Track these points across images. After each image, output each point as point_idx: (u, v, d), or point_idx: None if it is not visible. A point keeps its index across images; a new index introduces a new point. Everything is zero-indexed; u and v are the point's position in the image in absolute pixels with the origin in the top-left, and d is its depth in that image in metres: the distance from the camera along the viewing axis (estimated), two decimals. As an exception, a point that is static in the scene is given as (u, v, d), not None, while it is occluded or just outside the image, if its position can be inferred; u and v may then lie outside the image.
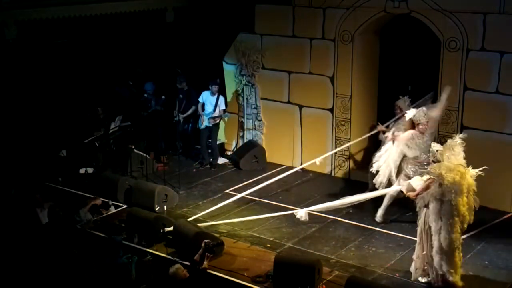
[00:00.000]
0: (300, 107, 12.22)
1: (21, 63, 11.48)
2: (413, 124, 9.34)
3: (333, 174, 12.06)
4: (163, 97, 12.49)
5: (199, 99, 12.30)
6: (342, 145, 11.79)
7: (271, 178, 11.67)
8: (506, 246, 9.07)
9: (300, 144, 12.30)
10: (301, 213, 9.15)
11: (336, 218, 10.04)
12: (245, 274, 8.41)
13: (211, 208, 10.22)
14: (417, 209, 8.10)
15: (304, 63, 11.96)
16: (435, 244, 7.80)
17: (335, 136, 11.86)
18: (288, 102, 12.36)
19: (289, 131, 12.41)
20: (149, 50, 13.34)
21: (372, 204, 10.23)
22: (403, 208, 10.16)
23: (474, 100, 10.27)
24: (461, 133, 8.61)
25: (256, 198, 10.96)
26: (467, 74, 10.27)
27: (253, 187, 11.30)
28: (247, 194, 10.74)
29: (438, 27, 10.42)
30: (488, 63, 10.05)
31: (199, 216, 10.04)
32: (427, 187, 7.84)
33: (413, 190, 8.05)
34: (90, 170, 12.12)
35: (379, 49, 11.89)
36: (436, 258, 7.83)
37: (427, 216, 7.88)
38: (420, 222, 8.05)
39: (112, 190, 10.86)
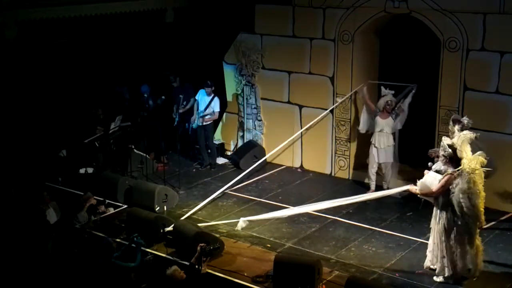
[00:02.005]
0: (300, 107, 12.22)
1: (21, 63, 11.47)
2: None
3: (333, 174, 12.06)
4: (163, 97, 12.47)
5: (195, 97, 12.29)
6: (342, 145, 11.80)
7: (271, 178, 11.74)
8: (506, 246, 9.07)
9: (300, 144, 12.29)
10: (240, 225, 9.25)
11: (336, 218, 10.03)
12: (245, 274, 8.40)
13: (197, 207, 10.30)
14: (435, 206, 8.08)
15: (304, 63, 11.96)
16: (451, 242, 7.91)
17: (335, 136, 11.86)
18: (288, 102, 12.36)
19: (289, 131, 12.40)
20: (149, 51, 13.33)
21: (372, 205, 10.24)
22: (403, 208, 10.17)
23: (474, 100, 10.27)
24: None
25: (256, 198, 10.97)
26: (467, 74, 10.27)
27: (253, 187, 11.34)
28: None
29: (438, 27, 10.42)
30: (488, 63, 10.05)
31: (193, 214, 10.10)
32: (446, 185, 7.81)
33: (428, 189, 7.99)
34: (90, 170, 12.11)
35: (379, 49, 11.90)
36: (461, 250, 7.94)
37: (449, 212, 7.90)
38: (438, 219, 8.03)
39: (112, 190, 10.85)
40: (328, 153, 12.03)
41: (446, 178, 7.83)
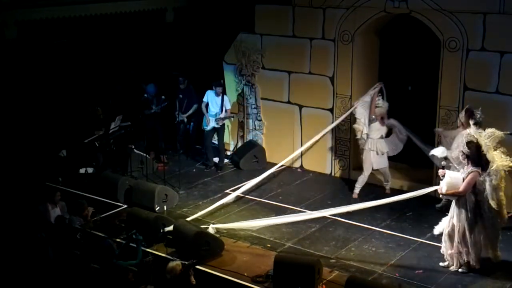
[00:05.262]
0: (300, 107, 12.22)
1: (21, 63, 11.48)
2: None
3: (333, 174, 12.06)
4: (163, 97, 12.48)
5: (203, 99, 12.21)
6: (342, 145, 11.80)
7: (271, 178, 11.71)
8: (506, 246, 9.05)
9: (300, 144, 12.28)
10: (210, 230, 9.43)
11: (336, 218, 10.03)
12: (245, 274, 8.40)
13: (204, 210, 10.23)
14: (455, 203, 8.20)
15: (304, 63, 11.95)
16: (487, 233, 8.16)
17: (335, 136, 11.87)
18: (288, 102, 12.36)
19: (289, 131, 12.41)
20: (149, 50, 13.34)
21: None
22: (403, 208, 10.16)
23: (474, 100, 10.25)
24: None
25: (256, 198, 10.96)
26: (467, 74, 10.27)
27: (253, 187, 11.32)
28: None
29: (438, 27, 10.42)
30: (488, 63, 10.05)
31: (198, 216, 10.06)
32: (472, 182, 7.95)
33: (456, 188, 8.05)
34: (90, 170, 12.12)
35: (379, 49, 11.90)
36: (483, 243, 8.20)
37: (470, 209, 8.05)
38: (460, 218, 8.14)
39: (112, 190, 10.85)
40: (328, 153, 12.03)
41: (471, 176, 7.96)
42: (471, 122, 8.88)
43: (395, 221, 9.95)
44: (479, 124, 8.84)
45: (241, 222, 9.66)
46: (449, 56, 10.38)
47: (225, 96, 12.23)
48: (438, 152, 9.34)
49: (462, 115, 9.48)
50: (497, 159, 8.06)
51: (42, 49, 11.76)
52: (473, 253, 8.23)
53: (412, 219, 10.01)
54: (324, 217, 9.98)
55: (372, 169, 10.84)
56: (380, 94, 10.72)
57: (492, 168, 8.01)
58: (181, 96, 12.47)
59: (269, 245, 9.24)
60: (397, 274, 8.38)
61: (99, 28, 12.34)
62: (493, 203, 8.05)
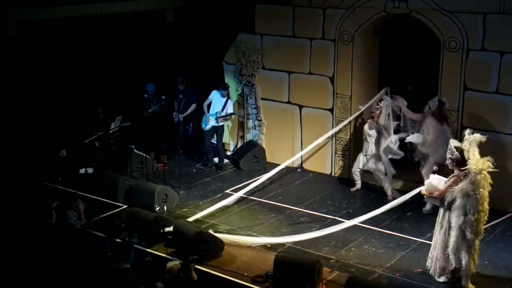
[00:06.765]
0: (300, 107, 12.22)
1: (21, 63, 11.47)
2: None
3: (333, 174, 12.07)
4: (163, 97, 12.49)
5: (209, 97, 12.22)
6: (342, 145, 11.81)
7: (271, 178, 11.69)
8: (506, 246, 9.08)
9: (300, 144, 12.29)
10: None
11: (336, 218, 10.04)
12: (245, 274, 8.40)
13: (207, 210, 10.18)
14: (441, 207, 8.09)
15: (304, 63, 11.96)
16: (453, 240, 7.84)
17: (335, 136, 11.87)
18: (288, 102, 12.36)
19: (289, 131, 12.41)
20: (149, 50, 13.34)
21: (372, 205, 10.23)
22: (403, 208, 10.16)
23: (474, 100, 10.27)
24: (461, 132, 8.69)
25: (256, 198, 10.96)
26: (467, 74, 10.27)
27: (253, 187, 11.31)
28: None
29: (438, 27, 10.42)
30: (488, 63, 10.06)
31: (200, 217, 10.05)
32: (452, 185, 7.85)
33: (435, 189, 8.02)
34: (90, 170, 12.12)
35: (379, 49, 11.90)
36: (451, 254, 7.89)
37: (451, 213, 7.90)
38: (444, 221, 8.02)
39: (112, 190, 10.85)
40: (328, 153, 12.03)
41: (452, 179, 7.89)
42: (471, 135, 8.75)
43: (395, 221, 9.95)
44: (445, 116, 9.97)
45: (244, 237, 9.46)
46: (449, 56, 10.39)
47: (229, 100, 12.26)
48: (414, 139, 10.08)
49: (434, 104, 9.91)
50: (474, 161, 7.73)
51: (42, 49, 11.75)
52: (439, 261, 8.11)
53: (412, 219, 10.01)
54: (324, 217, 10.01)
55: (362, 168, 11.00)
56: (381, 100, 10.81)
57: (467, 170, 7.76)
58: (181, 96, 12.47)
59: (269, 245, 9.24)
60: (397, 274, 8.38)
61: (99, 28, 12.32)
62: (454, 207, 7.81)
